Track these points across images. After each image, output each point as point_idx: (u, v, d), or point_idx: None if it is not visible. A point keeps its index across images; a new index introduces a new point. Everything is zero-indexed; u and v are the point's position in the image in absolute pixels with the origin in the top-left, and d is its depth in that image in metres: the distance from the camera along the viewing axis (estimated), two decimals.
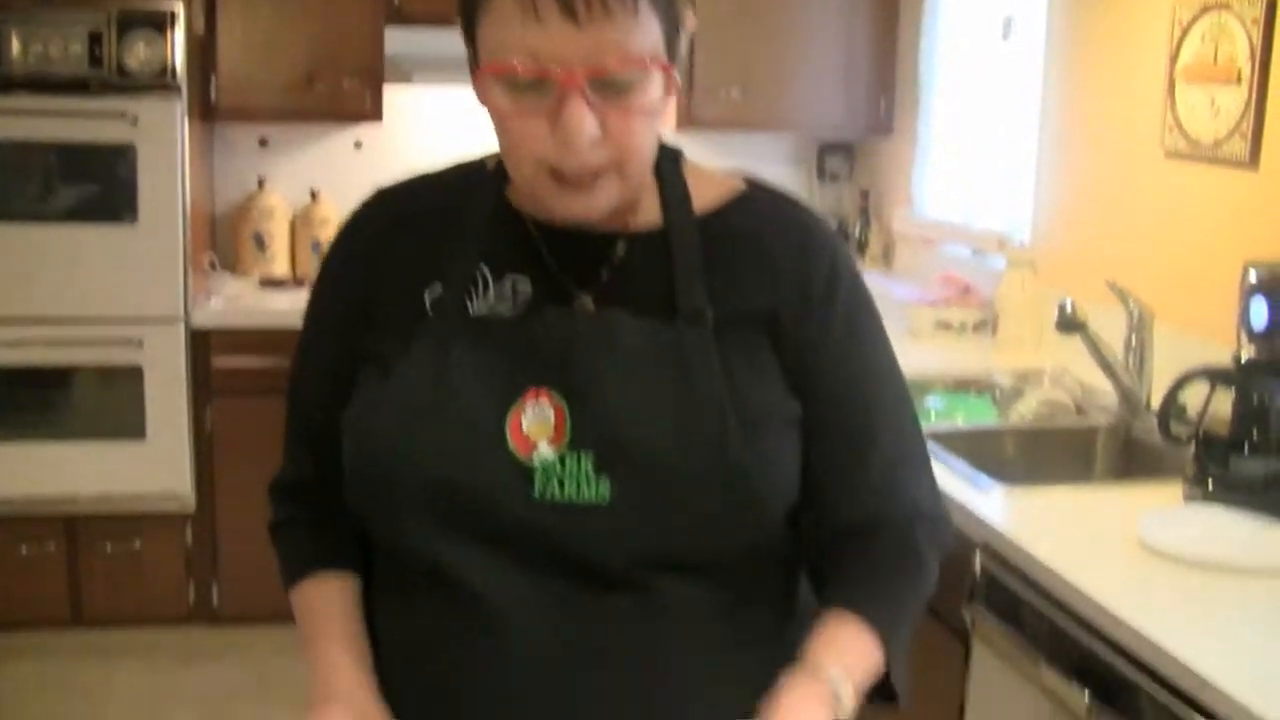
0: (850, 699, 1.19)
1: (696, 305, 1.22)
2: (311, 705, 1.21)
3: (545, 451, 1.18)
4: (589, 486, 1.17)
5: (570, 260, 1.25)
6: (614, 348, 1.20)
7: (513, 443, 1.19)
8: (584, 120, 1.12)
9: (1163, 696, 1.73)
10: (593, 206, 1.19)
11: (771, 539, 1.26)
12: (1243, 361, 2.25)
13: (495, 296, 1.24)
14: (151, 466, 3.94)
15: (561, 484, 1.17)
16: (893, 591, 1.28)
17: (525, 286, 1.24)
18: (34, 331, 3.83)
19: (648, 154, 1.20)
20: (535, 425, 1.19)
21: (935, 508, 1.34)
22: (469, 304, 1.24)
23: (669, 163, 1.29)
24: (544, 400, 1.19)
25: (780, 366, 1.25)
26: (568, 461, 1.18)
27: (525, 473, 1.18)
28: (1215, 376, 2.30)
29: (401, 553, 1.24)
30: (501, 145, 1.20)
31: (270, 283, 4.18)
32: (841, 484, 1.28)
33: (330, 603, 1.31)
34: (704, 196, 1.29)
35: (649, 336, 1.21)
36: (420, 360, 1.21)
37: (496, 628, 1.19)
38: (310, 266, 4.26)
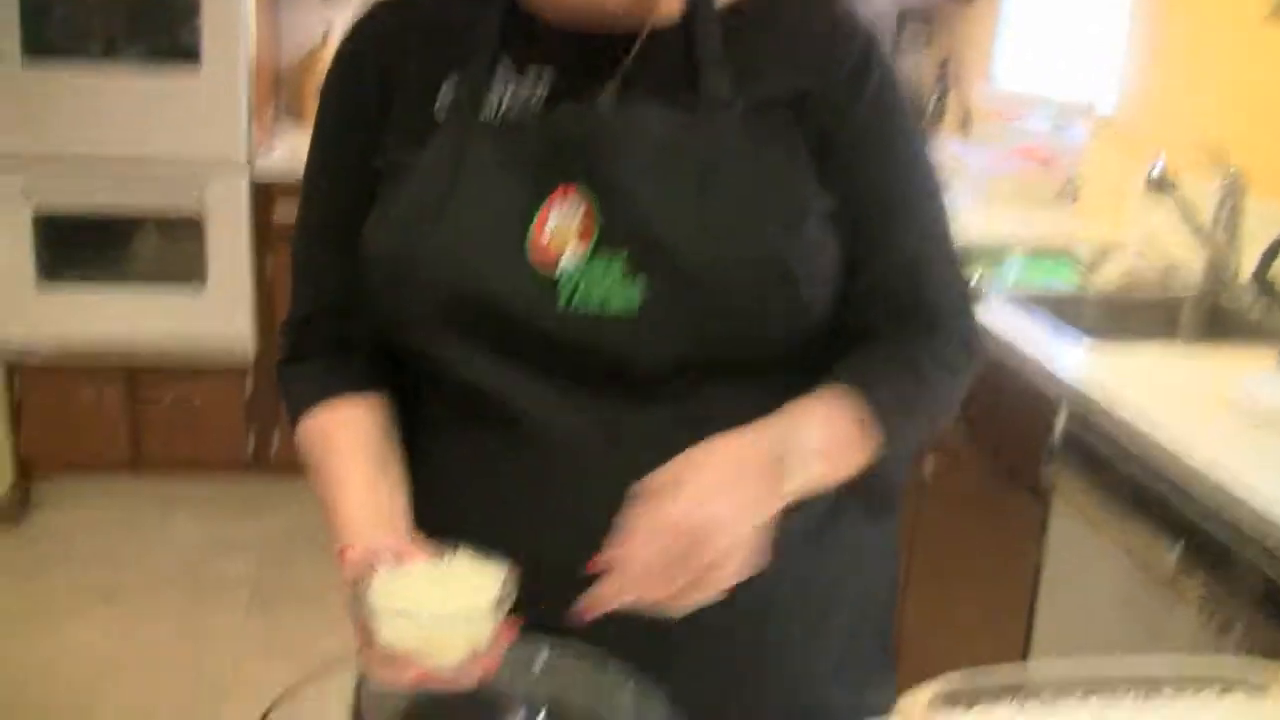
0: (803, 469, 1.09)
1: (722, 93, 1.14)
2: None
3: (572, 256, 1.11)
4: (620, 291, 1.11)
5: (588, 62, 1.17)
6: (640, 140, 1.12)
7: (537, 250, 1.12)
8: None
9: (1256, 555, 1.68)
10: None
11: (812, 340, 1.18)
12: None
13: (511, 97, 1.16)
14: (212, 315, 3.92)
15: (590, 291, 1.11)
16: (895, 390, 1.18)
17: (542, 88, 1.16)
18: (96, 177, 3.80)
19: None
20: (561, 226, 1.12)
21: (955, 321, 1.24)
22: (484, 106, 1.16)
23: None
24: (571, 197, 1.12)
25: (810, 155, 1.16)
26: (596, 266, 1.11)
27: (550, 281, 1.11)
28: None
29: (429, 372, 1.18)
30: None
31: None
32: (854, 285, 1.19)
33: (341, 428, 1.21)
34: None
35: (676, 127, 1.13)
36: (434, 164, 1.14)
37: (531, 446, 1.14)
38: None
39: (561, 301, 1.11)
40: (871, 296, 1.19)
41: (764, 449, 1.08)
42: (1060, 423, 2.16)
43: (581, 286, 1.11)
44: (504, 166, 1.13)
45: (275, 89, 4.26)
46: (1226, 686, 1.23)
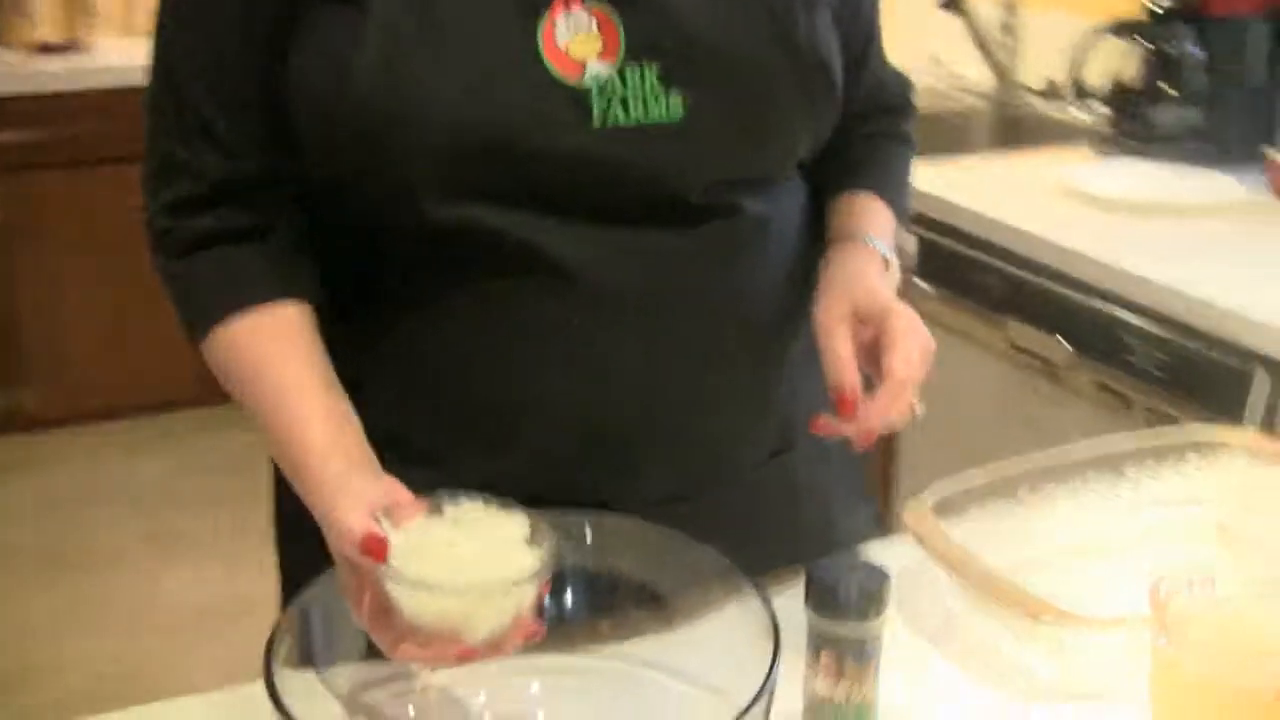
0: (895, 266, 1.12)
1: None
2: (319, 511, 0.93)
3: (598, 69, 0.97)
4: (658, 103, 0.98)
5: None
6: None
7: (553, 63, 0.96)
8: None
9: (1149, 326, 1.71)
10: None
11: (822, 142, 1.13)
12: (1155, 11, 2.23)
13: None
14: None
15: (625, 104, 0.97)
16: (900, 174, 1.23)
17: None
18: None
19: None
20: (577, 40, 0.97)
21: (908, 86, 1.28)
22: None
23: None
24: (578, 10, 0.97)
25: None
26: (629, 77, 0.98)
27: (577, 96, 0.96)
28: (1127, 30, 2.27)
29: (427, 231, 0.98)
30: None
31: (45, 48, 3.76)
32: (854, 73, 1.14)
33: (273, 342, 1.01)
34: None
35: None
36: None
37: (566, 296, 0.99)
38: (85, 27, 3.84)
39: (594, 117, 0.97)
40: (861, 89, 1.17)
41: (878, 255, 1.09)
42: (908, 239, 2.14)
43: (614, 100, 0.97)
44: None
45: None
46: (1179, 454, 1.25)
